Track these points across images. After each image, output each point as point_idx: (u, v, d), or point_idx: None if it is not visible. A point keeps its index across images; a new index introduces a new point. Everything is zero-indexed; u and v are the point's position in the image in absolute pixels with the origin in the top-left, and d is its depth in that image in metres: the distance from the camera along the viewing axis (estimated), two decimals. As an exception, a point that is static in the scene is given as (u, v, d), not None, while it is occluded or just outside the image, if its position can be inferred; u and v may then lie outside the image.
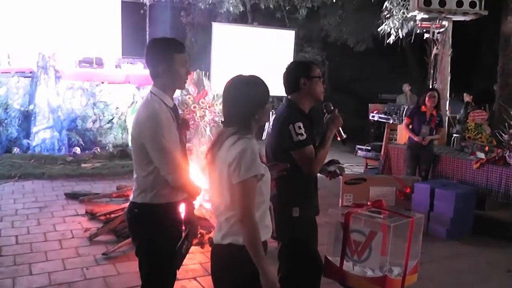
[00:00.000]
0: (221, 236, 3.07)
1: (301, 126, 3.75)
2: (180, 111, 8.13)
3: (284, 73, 4.12)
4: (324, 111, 4.04)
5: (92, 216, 7.70)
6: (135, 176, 3.55)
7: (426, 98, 8.84)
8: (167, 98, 3.49)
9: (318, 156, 3.82)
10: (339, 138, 4.07)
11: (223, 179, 3.01)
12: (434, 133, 8.89)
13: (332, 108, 4.01)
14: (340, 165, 4.15)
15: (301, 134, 3.74)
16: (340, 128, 4.01)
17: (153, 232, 3.45)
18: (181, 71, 3.49)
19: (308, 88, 3.96)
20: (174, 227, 3.52)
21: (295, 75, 4.02)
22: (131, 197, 3.60)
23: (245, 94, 3.08)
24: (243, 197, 2.91)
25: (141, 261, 3.60)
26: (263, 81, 3.18)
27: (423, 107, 8.93)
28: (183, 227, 3.67)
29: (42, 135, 12.19)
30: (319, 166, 3.88)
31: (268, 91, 3.17)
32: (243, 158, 2.91)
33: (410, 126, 9.08)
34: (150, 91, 3.52)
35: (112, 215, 7.45)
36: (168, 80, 3.49)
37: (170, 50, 3.46)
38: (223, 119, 3.20)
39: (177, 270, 3.70)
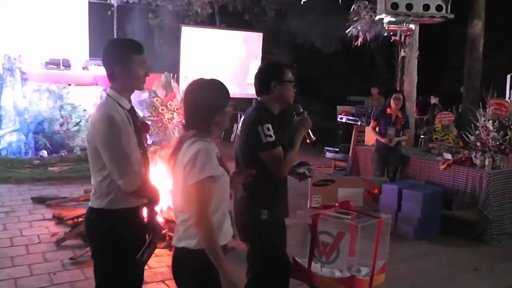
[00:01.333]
0: (176, 239, 3.09)
1: (270, 128, 3.72)
2: (148, 114, 8.15)
3: (256, 74, 4.08)
4: (294, 113, 4.03)
5: (59, 220, 7.62)
6: (92, 181, 3.47)
7: (391, 101, 8.95)
8: (123, 100, 3.42)
9: (287, 157, 3.80)
10: (308, 140, 4.06)
11: (180, 182, 3.02)
12: (401, 134, 8.98)
13: (301, 110, 4.01)
14: (310, 167, 4.15)
15: (270, 136, 3.71)
16: (310, 130, 4.00)
17: (108, 238, 3.36)
18: (140, 73, 3.42)
19: (279, 92, 3.92)
20: (132, 233, 3.41)
21: (266, 77, 3.97)
22: (90, 202, 3.52)
23: (204, 97, 3.10)
24: (198, 198, 2.91)
25: (95, 264, 3.53)
26: (223, 85, 3.20)
27: (388, 109, 9.03)
28: (147, 233, 3.60)
29: (8, 138, 12.03)
30: (288, 167, 3.87)
31: (227, 95, 3.19)
32: (198, 159, 2.93)
33: (377, 129, 9.16)
34: (107, 93, 3.45)
35: (80, 219, 7.36)
36: (126, 81, 3.42)
37: (128, 52, 3.40)
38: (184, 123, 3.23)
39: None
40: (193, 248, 2.96)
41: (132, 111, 3.49)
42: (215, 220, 2.98)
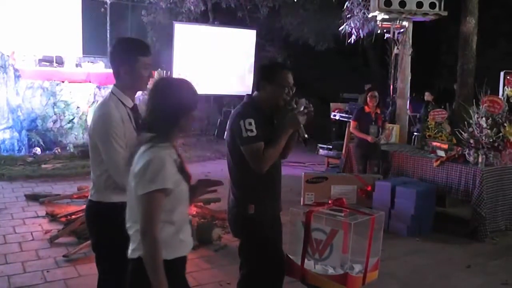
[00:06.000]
0: (131, 250, 2.91)
1: (252, 123, 3.71)
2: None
3: (256, 68, 4.08)
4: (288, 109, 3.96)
5: (52, 217, 7.62)
6: (91, 174, 3.58)
7: (368, 99, 9.07)
8: (126, 98, 3.51)
9: (267, 154, 3.75)
10: (300, 138, 4.00)
11: (132, 190, 2.86)
12: (380, 130, 9.13)
13: (294, 107, 3.90)
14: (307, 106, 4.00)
15: (251, 131, 3.70)
16: (303, 127, 3.91)
17: (106, 230, 3.48)
18: (144, 74, 3.51)
19: (267, 93, 3.90)
20: None
21: (259, 76, 3.98)
22: (89, 195, 3.64)
23: (170, 98, 2.88)
24: (145, 210, 2.73)
25: (97, 257, 3.67)
26: (192, 86, 2.99)
27: (366, 107, 9.15)
28: None
29: (1, 135, 12.00)
30: (267, 164, 3.78)
31: (196, 97, 2.99)
32: (149, 169, 2.74)
33: (358, 128, 9.24)
34: (111, 91, 3.54)
35: (73, 217, 7.38)
36: (129, 81, 3.50)
37: (134, 52, 3.47)
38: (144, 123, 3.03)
39: None
40: None
41: (134, 109, 3.57)
42: (170, 232, 2.85)
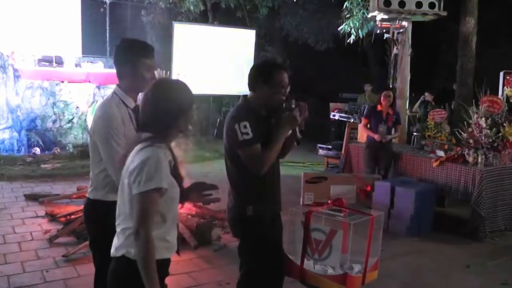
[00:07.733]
0: (115, 248, 2.88)
1: (247, 125, 3.69)
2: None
3: (250, 69, 4.05)
4: (286, 108, 3.96)
5: (52, 217, 7.61)
6: (90, 172, 3.62)
7: (382, 98, 9.00)
8: (128, 99, 3.54)
9: (265, 156, 3.73)
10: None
11: (125, 188, 2.83)
12: (392, 131, 9.01)
13: (293, 106, 3.89)
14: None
15: (247, 134, 3.68)
16: (297, 129, 3.91)
17: (103, 228, 3.45)
18: (146, 76, 3.53)
19: (263, 94, 3.87)
20: None
21: (255, 77, 3.93)
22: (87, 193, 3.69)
23: (167, 99, 2.88)
24: (140, 210, 2.68)
25: (93, 253, 3.72)
26: (187, 87, 2.99)
27: (379, 106, 9.08)
28: None
29: (1, 135, 11.99)
30: (265, 165, 3.75)
31: (192, 98, 2.99)
32: (146, 168, 2.70)
33: (368, 126, 9.19)
34: (113, 91, 3.58)
35: (73, 217, 7.36)
36: (132, 82, 3.54)
37: (137, 54, 3.49)
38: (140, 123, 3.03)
39: None
40: (134, 258, 2.74)
41: (136, 109, 3.57)
42: (158, 233, 2.79)
